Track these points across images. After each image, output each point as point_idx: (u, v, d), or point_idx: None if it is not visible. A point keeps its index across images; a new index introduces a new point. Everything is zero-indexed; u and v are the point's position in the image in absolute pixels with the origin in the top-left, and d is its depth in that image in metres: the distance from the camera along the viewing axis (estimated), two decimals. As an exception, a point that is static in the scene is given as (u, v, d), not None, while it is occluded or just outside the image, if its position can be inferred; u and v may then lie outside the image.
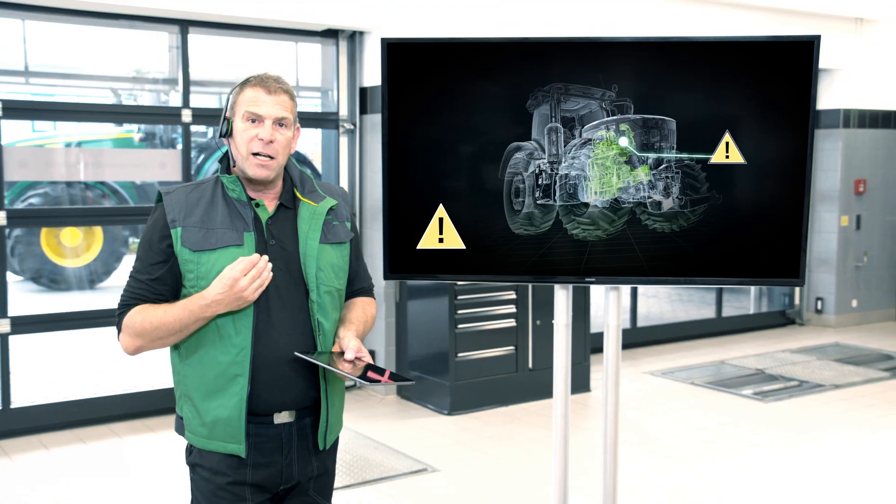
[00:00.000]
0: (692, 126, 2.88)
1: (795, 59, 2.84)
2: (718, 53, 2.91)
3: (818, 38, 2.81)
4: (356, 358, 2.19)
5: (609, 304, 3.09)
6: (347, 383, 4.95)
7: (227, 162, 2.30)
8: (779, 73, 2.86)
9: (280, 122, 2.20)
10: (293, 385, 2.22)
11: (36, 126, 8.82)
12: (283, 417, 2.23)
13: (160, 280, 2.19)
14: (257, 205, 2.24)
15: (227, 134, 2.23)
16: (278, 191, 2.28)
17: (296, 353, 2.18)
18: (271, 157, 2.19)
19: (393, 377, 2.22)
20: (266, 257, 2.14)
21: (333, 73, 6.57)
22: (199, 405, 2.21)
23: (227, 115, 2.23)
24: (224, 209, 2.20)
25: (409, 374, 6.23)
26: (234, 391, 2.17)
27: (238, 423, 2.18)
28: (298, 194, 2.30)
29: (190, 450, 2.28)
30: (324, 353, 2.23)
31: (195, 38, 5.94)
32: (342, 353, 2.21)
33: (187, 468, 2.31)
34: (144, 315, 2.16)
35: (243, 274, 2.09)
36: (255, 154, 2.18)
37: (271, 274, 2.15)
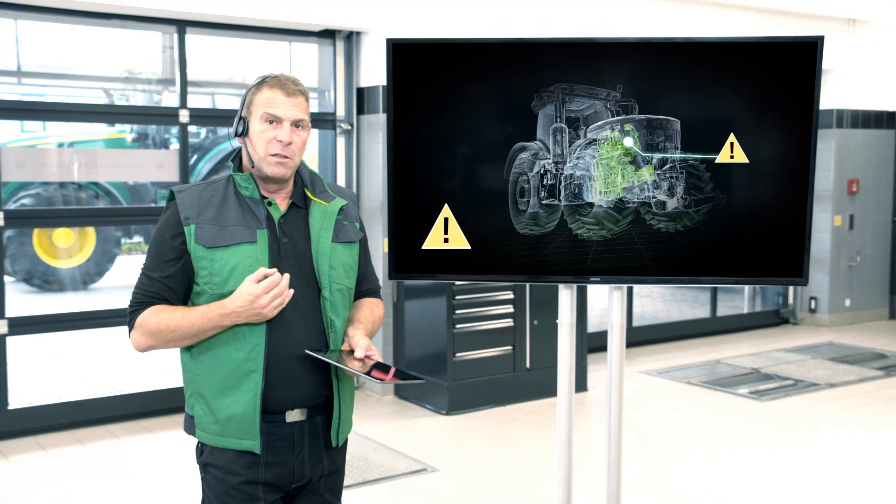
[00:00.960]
0: (696, 126, 2.89)
1: (798, 59, 2.86)
2: (722, 54, 2.92)
3: (821, 38, 2.84)
4: (365, 356, 2.21)
5: (613, 304, 3.10)
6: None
7: (238, 161, 2.31)
8: (782, 74, 2.88)
9: (297, 124, 2.22)
10: (305, 382, 2.23)
11: (25, 126, 8.80)
12: (294, 415, 2.24)
13: (173, 277, 2.20)
14: (270, 203, 2.26)
15: (243, 133, 2.24)
16: (290, 190, 2.30)
17: (306, 351, 2.19)
18: (288, 157, 2.21)
19: (401, 375, 2.23)
20: (287, 276, 2.16)
21: (330, 74, 6.57)
22: (213, 402, 2.21)
23: (243, 114, 2.25)
24: (237, 207, 2.22)
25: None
26: (248, 387, 2.18)
27: (252, 419, 2.18)
28: (309, 194, 2.32)
29: (201, 449, 2.27)
30: (334, 350, 2.25)
31: (191, 39, 5.92)
32: (351, 351, 2.23)
33: (197, 468, 2.31)
34: (160, 317, 2.17)
35: (265, 292, 2.12)
36: (273, 154, 2.20)
37: (292, 291, 2.18)
